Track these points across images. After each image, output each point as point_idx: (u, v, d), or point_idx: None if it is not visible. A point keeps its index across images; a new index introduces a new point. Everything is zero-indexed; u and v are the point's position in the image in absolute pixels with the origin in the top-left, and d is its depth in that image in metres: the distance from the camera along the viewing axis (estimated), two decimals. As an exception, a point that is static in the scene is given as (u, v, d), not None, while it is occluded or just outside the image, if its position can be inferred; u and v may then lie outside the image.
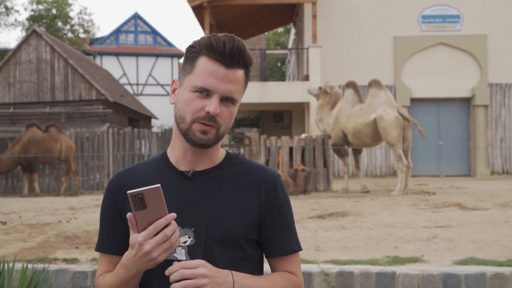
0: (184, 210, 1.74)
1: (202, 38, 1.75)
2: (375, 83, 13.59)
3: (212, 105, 1.68)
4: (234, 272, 1.69)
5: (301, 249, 1.89)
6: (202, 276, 1.59)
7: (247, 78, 1.80)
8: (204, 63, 1.71)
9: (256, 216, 1.80)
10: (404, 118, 13.06)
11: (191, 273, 1.59)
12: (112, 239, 1.83)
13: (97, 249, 1.88)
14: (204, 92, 1.70)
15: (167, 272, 1.60)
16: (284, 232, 1.85)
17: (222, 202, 1.77)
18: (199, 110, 1.70)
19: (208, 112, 1.68)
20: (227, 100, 1.72)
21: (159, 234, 1.54)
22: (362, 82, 18.42)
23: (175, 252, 1.72)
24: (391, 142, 12.97)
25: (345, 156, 14.05)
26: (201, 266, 1.61)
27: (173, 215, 1.56)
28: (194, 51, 1.75)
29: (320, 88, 14.24)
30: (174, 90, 1.81)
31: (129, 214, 1.56)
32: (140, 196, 1.52)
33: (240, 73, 1.73)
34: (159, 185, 1.52)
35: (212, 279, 1.61)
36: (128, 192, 1.52)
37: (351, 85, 13.93)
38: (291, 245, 1.85)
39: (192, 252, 1.72)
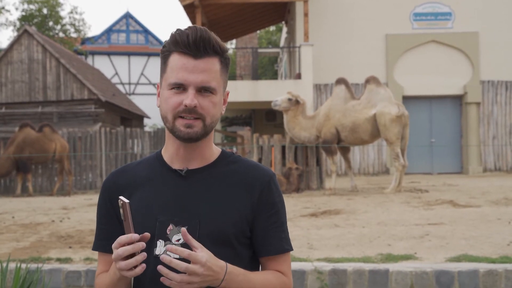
0: (178, 208, 1.76)
1: (170, 36, 1.78)
2: (373, 80, 13.47)
3: (188, 98, 1.70)
4: (228, 267, 1.68)
5: (292, 249, 1.88)
6: (194, 274, 1.59)
7: (224, 65, 1.80)
8: (174, 59, 1.74)
9: (248, 215, 1.80)
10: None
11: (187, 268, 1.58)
12: (109, 237, 1.82)
13: (94, 248, 1.89)
14: (181, 87, 1.73)
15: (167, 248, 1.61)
16: (276, 231, 1.84)
17: (215, 200, 1.78)
18: (177, 106, 1.73)
19: (185, 106, 1.71)
20: (205, 90, 1.73)
21: (117, 250, 1.56)
22: (354, 80, 18.50)
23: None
24: (390, 140, 12.81)
25: (334, 154, 13.60)
26: (200, 265, 1.60)
27: (136, 236, 1.57)
28: (165, 51, 1.78)
29: (289, 99, 13.62)
30: (159, 94, 1.84)
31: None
32: (121, 205, 1.56)
33: (212, 61, 1.74)
34: (128, 201, 1.55)
35: (203, 277, 1.61)
36: (120, 197, 1.57)
37: (343, 81, 13.71)
38: (282, 244, 1.84)
39: (186, 250, 1.73)
